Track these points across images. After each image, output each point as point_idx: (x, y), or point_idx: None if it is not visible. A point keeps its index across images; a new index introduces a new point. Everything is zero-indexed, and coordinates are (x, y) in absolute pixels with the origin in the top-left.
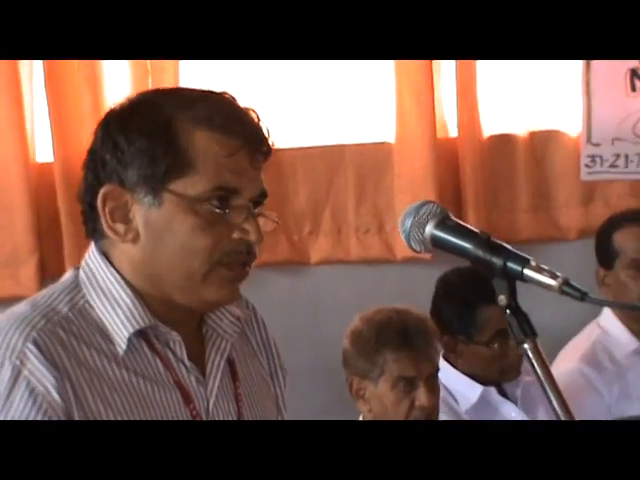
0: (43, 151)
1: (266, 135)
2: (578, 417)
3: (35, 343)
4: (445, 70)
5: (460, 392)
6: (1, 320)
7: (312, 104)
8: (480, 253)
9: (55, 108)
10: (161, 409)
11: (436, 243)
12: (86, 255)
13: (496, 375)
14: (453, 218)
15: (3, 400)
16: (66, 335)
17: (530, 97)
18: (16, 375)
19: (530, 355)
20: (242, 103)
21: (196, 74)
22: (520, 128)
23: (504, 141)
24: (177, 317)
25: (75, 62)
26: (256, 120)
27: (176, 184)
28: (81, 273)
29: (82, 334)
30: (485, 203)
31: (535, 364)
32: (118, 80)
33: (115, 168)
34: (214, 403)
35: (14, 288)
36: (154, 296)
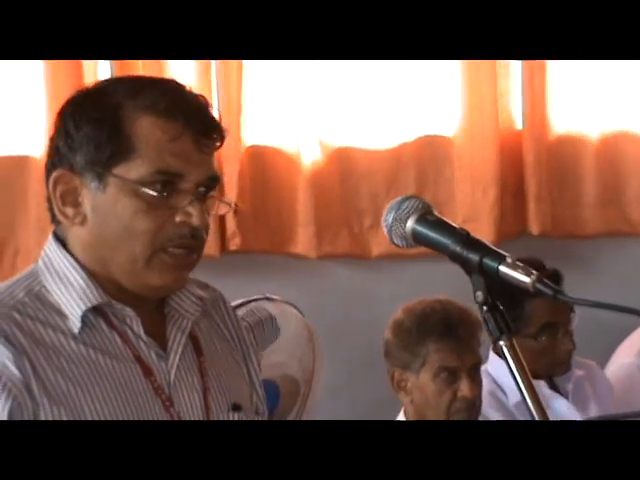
0: None
1: (214, 120)
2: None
3: None
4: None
5: (509, 386)
6: None
7: (374, 100)
8: (457, 249)
9: None
10: (121, 381)
11: (417, 238)
12: (45, 243)
13: (545, 369)
14: (435, 214)
15: None
16: (21, 317)
17: (601, 96)
18: None
19: (506, 352)
20: (299, 101)
21: (260, 73)
22: (589, 125)
23: (572, 137)
24: (130, 300)
25: (140, 62)
26: (204, 106)
27: (119, 168)
28: (39, 262)
29: (38, 315)
30: (549, 197)
31: (510, 361)
32: (182, 79)
33: (65, 154)
34: (177, 377)
35: None
36: (105, 278)
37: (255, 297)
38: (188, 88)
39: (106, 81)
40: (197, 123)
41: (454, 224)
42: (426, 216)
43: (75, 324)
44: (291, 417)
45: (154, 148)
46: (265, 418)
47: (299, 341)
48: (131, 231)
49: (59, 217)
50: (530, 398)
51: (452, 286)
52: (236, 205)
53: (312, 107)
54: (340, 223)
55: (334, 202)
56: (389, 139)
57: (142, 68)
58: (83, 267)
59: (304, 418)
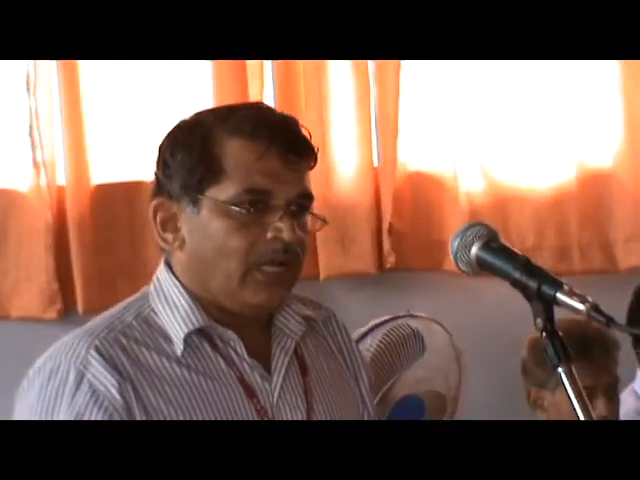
0: None
1: (300, 138)
2: None
3: (97, 350)
4: None
5: None
6: (74, 333)
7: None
8: (517, 275)
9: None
10: (223, 404)
11: (480, 264)
12: (157, 268)
13: None
14: (499, 240)
15: (69, 402)
16: (127, 341)
17: None
18: (80, 379)
19: (564, 379)
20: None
21: (417, 74)
22: None
23: None
24: (234, 321)
25: (301, 62)
26: (290, 125)
27: (211, 191)
28: (151, 286)
29: (144, 339)
30: None
31: (569, 389)
32: (341, 78)
33: (163, 182)
34: (280, 397)
35: None
36: (207, 300)
37: (400, 314)
38: (277, 110)
39: (200, 112)
40: (282, 141)
41: (516, 251)
42: (490, 243)
43: (179, 347)
44: None
45: (242, 168)
46: None
47: (445, 358)
48: (225, 250)
49: (161, 243)
50: None
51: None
52: (391, 224)
53: (470, 132)
54: None
55: (488, 222)
56: (548, 175)
57: (303, 69)
58: (188, 291)
59: None
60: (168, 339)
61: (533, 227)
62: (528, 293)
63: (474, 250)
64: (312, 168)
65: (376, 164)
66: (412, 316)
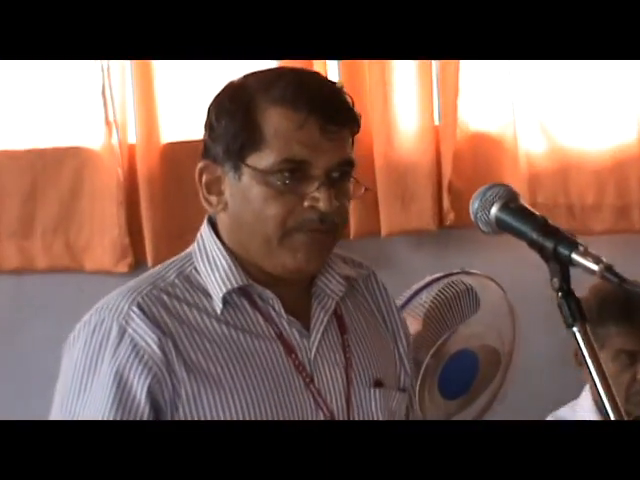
0: None
1: (340, 106)
2: None
3: (139, 306)
4: None
5: None
6: (119, 290)
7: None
8: (534, 236)
9: (348, 85)
10: (262, 359)
11: (500, 225)
12: (201, 227)
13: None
14: (519, 201)
15: (111, 355)
16: (169, 298)
17: None
18: (122, 333)
19: (579, 339)
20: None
21: (478, 73)
22: None
23: None
24: (274, 281)
25: (366, 62)
26: (332, 93)
27: (251, 158)
28: (195, 244)
29: (186, 296)
30: None
31: (583, 348)
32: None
33: (209, 145)
34: (318, 353)
35: None
36: (248, 261)
37: (454, 271)
38: (322, 77)
39: (246, 75)
40: (322, 111)
41: (535, 211)
42: (509, 204)
43: (218, 305)
44: (492, 386)
45: (282, 138)
46: (410, 395)
47: (498, 314)
48: (263, 216)
49: (205, 204)
50: (602, 387)
51: None
52: (450, 182)
53: (531, 93)
54: (559, 203)
55: (553, 183)
56: (609, 135)
57: (368, 68)
58: (229, 250)
59: (504, 388)
60: (209, 297)
61: (594, 186)
62: (545, 254)
63: (493, 211)
64: (355, 134)
65: (437, 123)
66: (466, 273)
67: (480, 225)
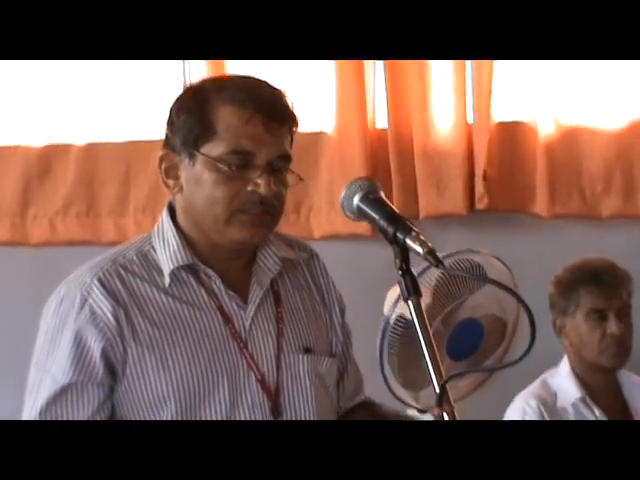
0: (380, 119)
1: (282, 107)
2: None
3: (99, 280)
4: None
5: None
6: (87, 264)
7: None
8: (381, 223)
9: (392, 83)
10: (201, 328)
11: (360, 212)
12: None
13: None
14: (378, 193)
15: (73, 320)
16: (126, 273)
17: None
18: (83, 302)
19: (412, 311)
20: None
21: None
22: None
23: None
24: (223, 255)
25: (407, 62)
26: (276, 96)
27: (205, 148)
28: (155, 226)
29: (141, 272)
30: None
31: (415, 319)
32: (441, 73)
33: (169, 137)
34: (253, 323)
35: (354, 227)
36: (201, 239)
37: (460, 249)
38: (267, 83)
39: (204, 79)
40: (266, 109)
41: (388, 202)
42: (368, 195)
43: (166, 279)
44: (498, 352)
45: (231, 131)
46: (339, 359)
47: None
48: (212, 197)
49: (164, 187)
50: (429, 357)
51: None
52: (485, 170)
53: (548, 86)
54: (572, 187)
55: (566, 169)
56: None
57: (408, 68)
58: (180, 233)
59: (509, 355)
60: (161, 273)
61: (602, 172)
62: (388, 238)
63: (355, 200)
64: (293, 133)
65: (469, 117)
66: (472, 251)
67: (345, 211)
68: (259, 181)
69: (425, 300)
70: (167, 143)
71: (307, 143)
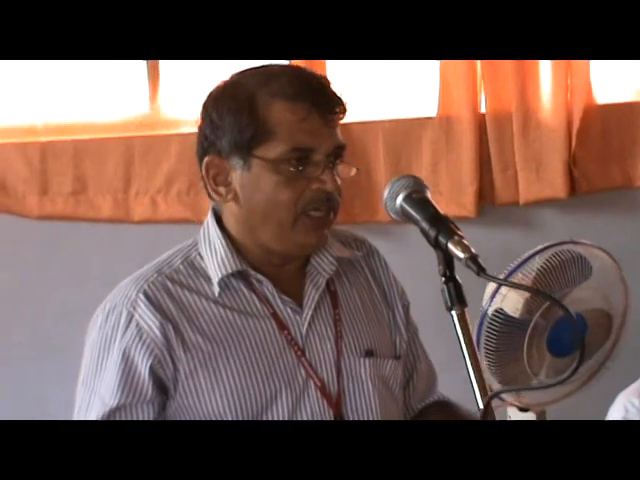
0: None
1: (336, 97)
2: None
3: (145, 293)
4: None
5: None
6: (131, 276)
7: None
8: (424, 225)
9: (490, 66)
10: (256, 337)
11: (403, 213)
12: (207, 217)
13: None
14: (423, 193)
15: (120, 338)
16: (172, 284)
17: None
18: (130, 319)
19: (455, 322)
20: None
21: None
22: None
23: None
24: (276, 260)
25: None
26: (327, 86)
27: (260, 150)
28: (200, 232)
29: (188, 282)
30: None
31: (459, 332)
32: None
33: (213, 141)
34: (310, 328)
35: (458, 210)
36: (255, 245)
37: (561, 241)
38: (309, 71)
39: (239, 73)
40: (322, 102)
41: (433, 203)
42: (412, 195)
43: (215, 288)
44: (605, 348)
45: (287, 129)
46: (406, 359)
47: (605, 279)
48: (275, 201)
49: (213, 196)
50: (473, 372)
51: None
52: (578, 154)
53: None
54: None
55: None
56: None
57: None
58: (228, 238)
59: (617, 348)
60: (210, 281)
61: None
62: (430, 242)
63: (398, 200)
64: (342, 119)
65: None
66: (574, 242)
67: (389, 213)
68: (324, 178)
69: (524, 294)
70: (210, 147)
71: (411, 127)
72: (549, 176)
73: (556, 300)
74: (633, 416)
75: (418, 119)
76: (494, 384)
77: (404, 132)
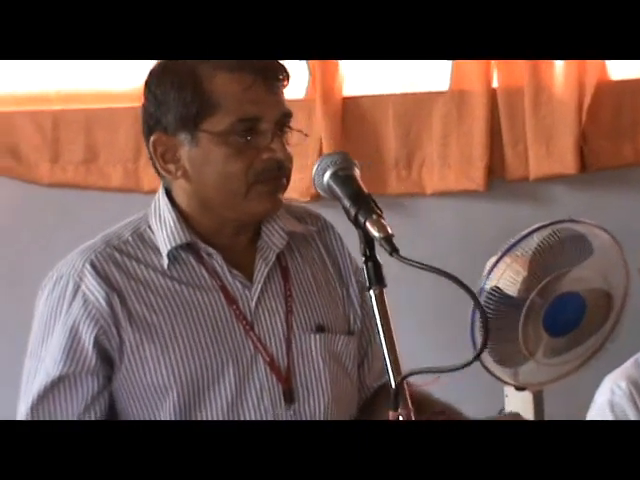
0: None
1: (279, 63)
2: None
3: (92, 264)
4: None
5: None
6: (80, 247)
7: None
8: (345, 202)
9: None
10: (203, 310)
11: (329, 190)
12: (158, 191)
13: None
14: (350, 170)
15: (67, 308)
16: (120, 255)
17: None
18: (76, 289)
19: (374, 303)
20: None
21: None
22: None
23: None
24: (230, 231)
25: None
26: None
27: (206, 124)
28: (151, 205)
29: (137, 253)
30: None
31: (376, 312)
32: None
33: (158, 118)
34: (259, 302)
35: (467, 184)
36: (206, 217)
37: (560, 219)
38: None
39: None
40: (265, 70)
41: (358, 180)
42: (338, 172)
43: (164, 260)
44: (605, 328)
45: (232, 100)
46: (361, 336)
47: (606, 258)
48: (226, 174)
49: (163, 173)
50: (387, 352)
51: None
52: (588, 130)
53: None
54: None
55: None
56: None
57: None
58: (177, 211)
59: (617, 330)
60: (159, 253)
61: None
62: (351, 220)
63: (325, 177)
64: (286, 86)
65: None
66: (573, 221)
67: (318, 189)
68: (273, 146)
69: (521, 272)
70: (155, 124)
71: (422, 100)
72: (559, 152)
73: (460, 281)
74: (619, 399)
75: (429, 93)
76: (489, 363)
77: (415, 105)
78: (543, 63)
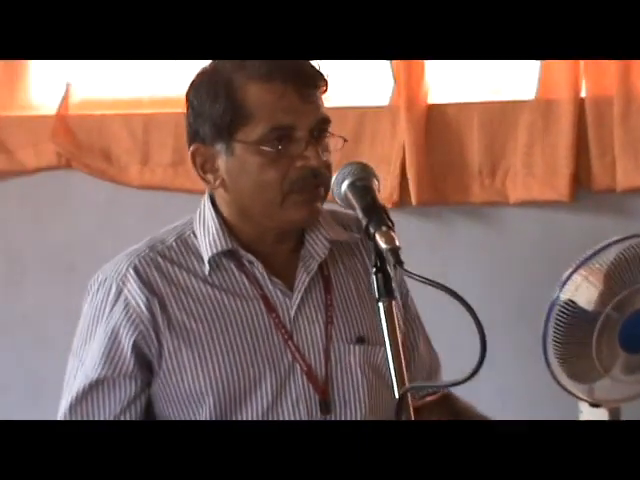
0: None
1: (312, 71)
2: None
3: (135, 268)
4: None
5: None
6: (125, 251)
7: None
8: (359, 213)
9: None
10: (242, 318)
11: (346, 201)
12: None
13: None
14: (367, 180)
15: (109, 311)
16: (163, 261)
17: None
18: (119, 293)
19: (382, 315)
20: None
21: None
22: None
23: None
24: (271, 239)
25: None
26: (303, 63)
27: (240, 133)
28: (197, 212)
29: (179, 259)
30: None
31: (384, 324)
32: None
33: (196, 129)
34: (298, 311)
35: (551, 194)
36: (248, 225)
37: (633, 234)
38: None
39: (216, 61)
40: (297, 78)
41: (374, 191)
42: (356, 182)
43: (206, 267)
44: None
45: (265, 109)
46: (413, 344)
47: None
48: (261, 183)
49: (204, 183)
50: (394, 364)
51: None
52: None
53: None
54: None
55: None
56: None
57: None
58: (221, 218)
59: None
60: (201, 260)
61: None
62: (363, 230)
63: (343, 186)
64: (325, 92)
65: None
66: None
67: (336, 198)
68: (307, 154)
69: (597, 285)
70: (195, 136)
71: (507, 109)
72: None
73: (460, 297)
74: None
75: (515, 101)
76: (563, 378)
77: (500, 114)
78: (634, 72)
